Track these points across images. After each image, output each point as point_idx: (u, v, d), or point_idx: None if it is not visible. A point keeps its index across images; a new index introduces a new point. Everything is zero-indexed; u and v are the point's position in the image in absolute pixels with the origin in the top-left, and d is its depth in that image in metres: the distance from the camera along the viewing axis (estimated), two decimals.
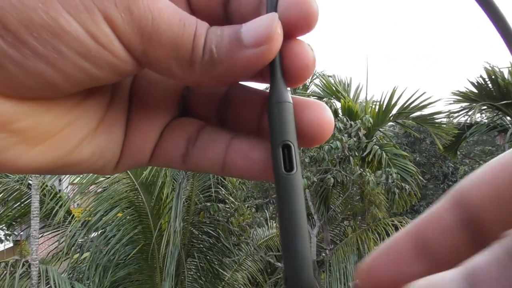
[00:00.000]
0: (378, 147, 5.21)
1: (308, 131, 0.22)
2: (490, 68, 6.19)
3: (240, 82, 0.25)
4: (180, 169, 0.27)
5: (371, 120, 5.00)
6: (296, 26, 0.21)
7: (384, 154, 5.20)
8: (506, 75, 6.20)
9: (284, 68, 0.22)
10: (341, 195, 5.65)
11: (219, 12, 0.23)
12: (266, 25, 0.20)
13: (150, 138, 0.25)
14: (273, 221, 5.83)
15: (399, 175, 4.89)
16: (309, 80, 7.76)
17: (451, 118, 6.83)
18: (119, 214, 4.85)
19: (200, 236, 5.22)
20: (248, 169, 0.23)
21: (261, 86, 0.27)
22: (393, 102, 5.83)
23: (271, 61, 0.21)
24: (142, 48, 0.20)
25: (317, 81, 6.50)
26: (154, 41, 0.20)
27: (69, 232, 4.72)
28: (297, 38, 0.22)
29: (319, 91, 6.46)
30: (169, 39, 0.20)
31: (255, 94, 0.25)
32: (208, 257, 5.13)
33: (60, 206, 4.80)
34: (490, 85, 6.29)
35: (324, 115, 0.22)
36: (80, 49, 0.19)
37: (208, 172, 0.24)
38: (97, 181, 4.90)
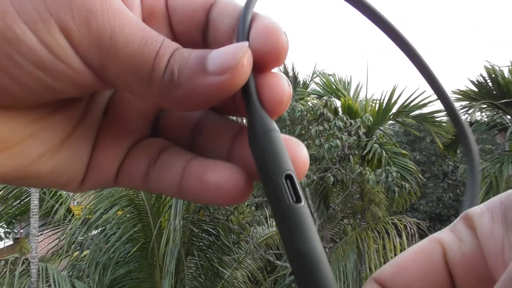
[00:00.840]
0: (378, 146, 5.21)
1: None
2: (490, 67, 6.18)
3: (215, 111, 0.25)
4: (143, 190, 0.26)
5: (371, 118, 5.01)
6: (266, 58, 0.21)
7: (384, 152, 5.20)
8: (506, 73, 6.20)
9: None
10: (341, 193, 5.66)
11: (198, 38, 0.23)
12: (232, 54, 0.20)
13: (115, 158, 0.24)
14: (273, 220, 5.83)
15: (399, 174, 4.90)
16: (309, 78, 7.76)
17: None
18: (119, 212, 4.85)
19: (200, 234, 5.22)
20: (201, 192, 0.22)
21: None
22: (393, 100, 5.83)
23: (246, 91, 0.21)
24: (100, 62, 0.19)
25: (317, 79, 6.51)
26: (111, 56, 0.19)
27: (69, 230, 4.73)
28: (272, 71, 0.22)
29: (319, 89, 6.47)
30: (128, 55, 0.19)
31: (228, 124, 0.24)
32: (208, 255, 5.13)
33: (60, 204, 4.80)
34: (490, 83, 6.29)
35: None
36: (34, 59, 0.19)
37: (165, 194, 0.23)
38: None
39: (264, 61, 0.21)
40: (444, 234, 0.20)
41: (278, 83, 0.21)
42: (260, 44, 0.21)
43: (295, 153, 0.21)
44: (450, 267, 0.19)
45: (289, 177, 0.20)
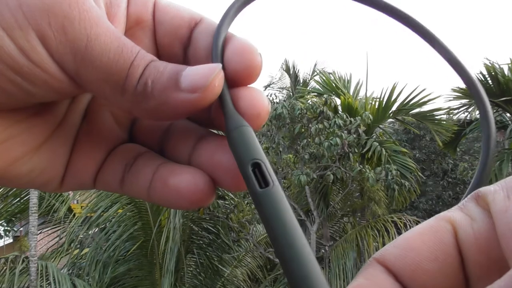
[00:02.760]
0: (377, 144, 5.21)
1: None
2: (490, 65, 6.18)
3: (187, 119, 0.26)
4: (119, 193, 0.27)
5: (370, 116, 5.01)
6: (241, 75, 0.22)
7: (383, 150, 5.20)
8: (506, 71, 6.20)
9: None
10: (341, 191, 5.66)
11: (179, 53, 0.24)
12: (204, 74, 0.20)
13: (93, 161, 0.25)
14: None
15: (398, 172, 4.90)
16: (309, 77, 7.76)
17: (451, 115, 6.83)
18: (120, 211, 4.85)
19: (200, 232, 5.23)
20: (165, 195, 0.22)
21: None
22: (393, 98, 5.83)
23: (221, 100, 0.22)
24: (75, 69, 0.20)
25: (317, 77, 6.50)
26: (87, 63, 0.20)
27: (69, 228, 4.73)
28: (249, 86, 0.23)
29: (319, 87, 6.47)
30: (103, 63, 0.20)
31: (194, 130, 0.25)
32: (207, 253, 5.14)
33: (61, 203, 4.80)
34: (490, 81, 6.29)
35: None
36: (12, 64, 0.19)
37: (138, 198, 0.24)
38: None
39: (240, 78, 0.22)
40: (453, 213, 0.19)
41: (255, 97, 0.22)
42: (236, 62, 0.22)
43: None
44: (461, 247, 0.18)
45: (256, 165, 0.20)
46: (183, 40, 0.24)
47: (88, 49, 0.20)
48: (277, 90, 9.22)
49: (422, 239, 0.19)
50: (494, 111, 6.91)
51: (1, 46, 0.19)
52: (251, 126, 0.22)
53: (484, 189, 0.18)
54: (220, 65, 0.21)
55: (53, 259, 4.75)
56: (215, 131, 0.25)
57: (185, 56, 0.24)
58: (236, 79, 0.22)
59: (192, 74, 0.21)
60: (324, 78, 6.34)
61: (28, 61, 0.19)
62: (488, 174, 0.24)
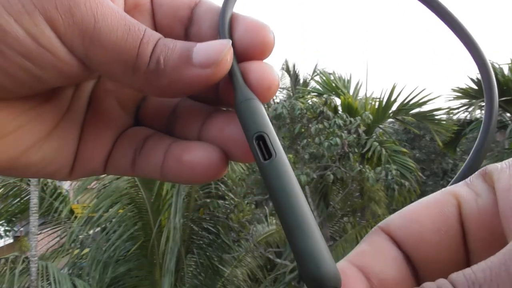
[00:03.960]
0: (377, 144, 5.21)
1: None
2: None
3: (189, 98, 0.26)
4: (131, 176, 0.27)
5: (370, 116, 5.01)
6: (253, 52, 0.22)
7: (383, 150, 5.20)
8: (506, 71, 6.20)
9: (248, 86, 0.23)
10: (341, 191, 5.66)
11: (180, 34, 0.24)
12: (217, 50, 0.21)
13: (102, 147, 0.25)
14: (273, 218, 5.84)
15: (398, 172, 4.90)
16: (309, 77, 7.76)
17: (451, 115, 6.83)
18: (120, 211, 4.85)
19: (200, 232, 5.22)
20: (180, 172, 0.23)
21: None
22: (392, 98, 5.83)
23: (231, 74, 0.22)
24: (85, 51, 0.20)
25: (317, 77, 6.50)
26: (96, 44, 0.20)
27: (70, 228, 4.73)
28: (260, 60, 0.23)
29: (319, 87, 6.46)
30: (112, 43, 0.20)
31: (201, 108, 0.25)
32: (207, 253, 5.14)
33: (61, 203, 4.80)
34: None
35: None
36: (21, 49, 0.19)
37: (152, 178, 0.25)
38: (99, 177, 4.91)
39: (252, 54, 0.22)
40: (460, 188, 0.19)
41: (265, 71, 0.22)
42: (249, 38, 0.22)
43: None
44: (464, 221, 0.19)
45: (260, 138, 0.21)
46: (183, 20, 0.24)
47: (96, 30, 0.20)
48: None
49: (427, 211, 0.19)
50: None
51: (9, 32, 0.19)
52: (261, 100, 0.22)
53: (491, 167, 0.19)
54: (230, 40, 0.21)
55: (53, 259, 4.75)
56: (223, 109, 0.25)
57: (187, 37, 0.24)
58: (248, 55, 0.22)
59: (204, 49, 0.21)
60: (324, 78, 6.34)
61: (38, 46, 0.19)
62: (487, 149, 0.25)
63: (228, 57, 0.21)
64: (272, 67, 0.23)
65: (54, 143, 0.23)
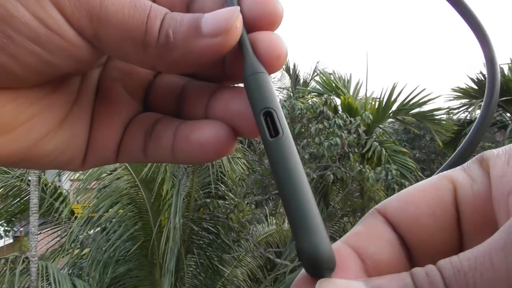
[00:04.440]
0: (377, 144, 5.21)
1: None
2: None
3: (194, 78, 0.26)
4: (144, 163, 0.27)
5: (370, 116, 5.00)
6: (262, 22, 0.22)
7: (383, 150, 5.20)
8: (506, 71, 6.20)
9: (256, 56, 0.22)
10: (341, 191, 5.66)
11: (182, 11, 0.23)
12: (225, 17, 0.20)
13: (113, 135, 0.25)
14: (273, 218, 5.84)
15: (398, 172, 4.89)
16: (309, 77, 7.76)
17: (451, 115, 6.84)
18: (120, 211, 4.85)
19: (200, 232, 5.22)
20: (190, 152, 0.23)
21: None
22: (392, 98, 5.83)
23: (241, 42, 0.22)
24: (93, 31, 0.20)
25: (317, 77, 6.50)
26: (104, 24, 0.20)
27: (70, 228, 4.73)
28: (269, 30, 0.22)
29: (319, 87, 6.46)
30: (119, 21, 0.20)
31: (207, 86, 0.25)
32: (207, 253, 5.14)
33: (61, 203, 4.81)
34: None
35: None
36: (29, 34, 0.19)
37: (163, 161, 0.25)
38: (99, 177, 4.91)
39: (260, 24, 0.22)
40: (456, 173, 0.20)
41: (274, 40, 0.22)
42: (257, 9, 0.22)
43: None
44: (459, 205, 0.19)
45: (268, 114, 0.20)
46: None
47: (103, 9, 0.20)
48: (277, 90, 9.23)
49: (423, 195, 0.19)
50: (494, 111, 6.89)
51: (17, 17, 0.19)
52: (270, 70, 0.22)
53: (488, 152, 0.19)
54: (238, 7, 0.21)
55: (53, 259, 4.75)
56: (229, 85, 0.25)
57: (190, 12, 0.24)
58: (257, 26, 0.22)
59: (213, 18, 0.21)
60: (324, 78, 6.34)
61: (46, 29, 0.19)
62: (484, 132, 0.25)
63: (238, 23, 0.21)
64: (281, 37, 0.22)
65: (65, 132, 0.23)
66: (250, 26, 0.22)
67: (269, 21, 0.22)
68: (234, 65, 0.23)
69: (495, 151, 0.19)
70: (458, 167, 0.20)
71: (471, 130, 0.25)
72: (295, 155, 0.20)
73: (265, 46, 0.22)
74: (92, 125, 0.25)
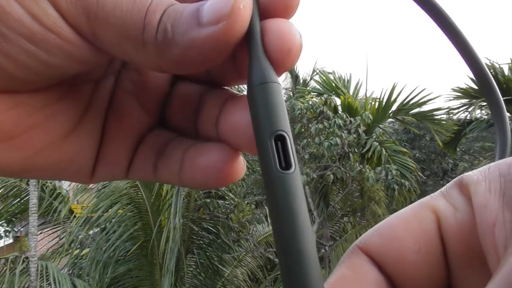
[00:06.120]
0: (377, 144, 5.21)
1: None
2: (490, 64, 6.18)
3: (216, 86, 0.23)
4: (153, 181, 0.25)
5: (370, 116, 5.00)
6: (275, 8, 0.19)
7: (383, 150, 5.20)
8: (506, 71, 6.20)
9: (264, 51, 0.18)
10: (341, 191, 5.66)
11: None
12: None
13: (124, 152, 0.23)
14: None
15: (398, 172, 4.89)
16: (309, 77, 7.76)
17: (451, 115, 6.83)
18: (120, 211, 4.85)
19: (200, 232, 5.22)
20: (194, 176, 0.21)
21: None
22: (392, 98, 5.83)
23: (249, 37, 0.18)
24: (91, 29, 0.18)
25: (317, 77, 6.50)
26: (101, 21, 0.18)
27: (70, 228, 4.73)
28: (281, 18, 0.19)
29: (319, 87, 6.46)
30: (117, 18, 0.18)
31: (219, 96, 0.23)
32: (207, 253, 5.13)
33: (60, 203, 4.81)
34: None
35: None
36: (23, 31, 0.18)
37: (171, 183, 0.23)
38: None
39: (273, 11, 0.19)
40: (437, 201, 0.19)
41: (286, 28, 0.19)
42: None
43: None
44: (443, 237, 0.18)
45: (280, 138, 0.17)
46: None
47: (100, 6, 0.18)
48: None
49: (406, 228, 0.19)
50: None
51: (9, 13, 0.17)
52: (280, 68, 0.18)
53: (467, 177, 0.18)
54: None
55: (53, 259, 4.75)
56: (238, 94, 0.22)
57: None
58: (267, 12, 0.19)
59: (212, 3, 0.18)
60: (324, 78, 6.34)
61: (41, 27, 0.18)
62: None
63: (241, 4, 0.17)
64: (293, 24, 0.19)
65: (72, 145, 0.22)
66: (260, 12, 0.19)
67: (284, 7, 0.19)
68: (244, 63, 0.20)
69: (474, 175, 0.18)
70: (437, 193, 0.19)
71: None
72: (303, 198, 0.16)
73: (274, 37, 0.19)
74: (103, 140, 0.23)
